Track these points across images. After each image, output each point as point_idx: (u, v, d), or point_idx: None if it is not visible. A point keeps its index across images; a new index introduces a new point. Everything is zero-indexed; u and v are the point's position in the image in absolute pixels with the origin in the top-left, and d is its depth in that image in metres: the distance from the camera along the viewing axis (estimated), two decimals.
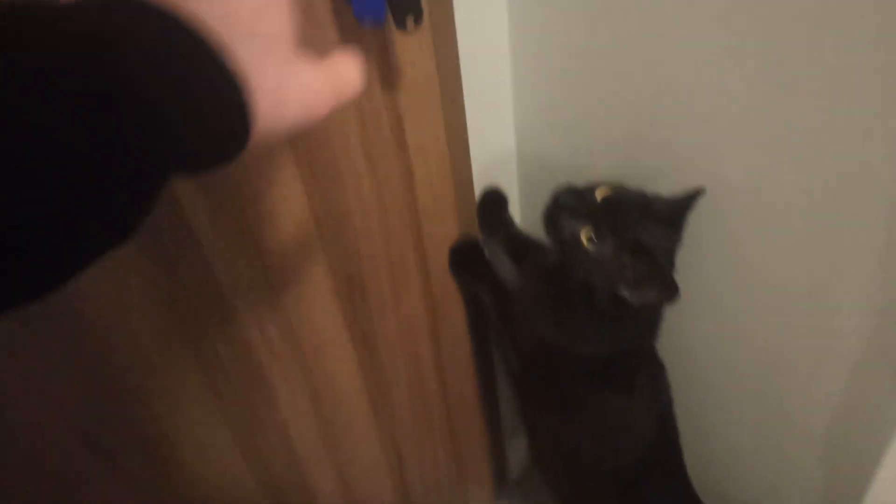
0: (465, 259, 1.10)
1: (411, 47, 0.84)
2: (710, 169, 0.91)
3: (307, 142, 0.78)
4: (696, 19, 0.81)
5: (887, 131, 0.71)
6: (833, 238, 0.81)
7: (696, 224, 0.93)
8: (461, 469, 1.42)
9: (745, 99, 0.82)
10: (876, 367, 0.86)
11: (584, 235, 0.89)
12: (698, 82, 0.85)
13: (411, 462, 1.25)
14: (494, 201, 1.13)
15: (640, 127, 0.96)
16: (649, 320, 1.00)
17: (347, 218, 0.88)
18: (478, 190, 1.09)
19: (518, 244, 1.12)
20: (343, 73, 0.47)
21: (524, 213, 1.23)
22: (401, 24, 0.74)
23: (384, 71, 0.83)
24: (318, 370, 0.97)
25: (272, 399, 0.92)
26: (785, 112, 0.79)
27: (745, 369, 1.03)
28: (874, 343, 0.84)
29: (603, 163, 1.04)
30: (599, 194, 0.92)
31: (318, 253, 0.87)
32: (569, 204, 0.92)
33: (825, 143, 0.77)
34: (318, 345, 0.95)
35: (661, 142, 0.95)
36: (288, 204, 0.81)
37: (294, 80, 0.42)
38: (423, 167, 0.95)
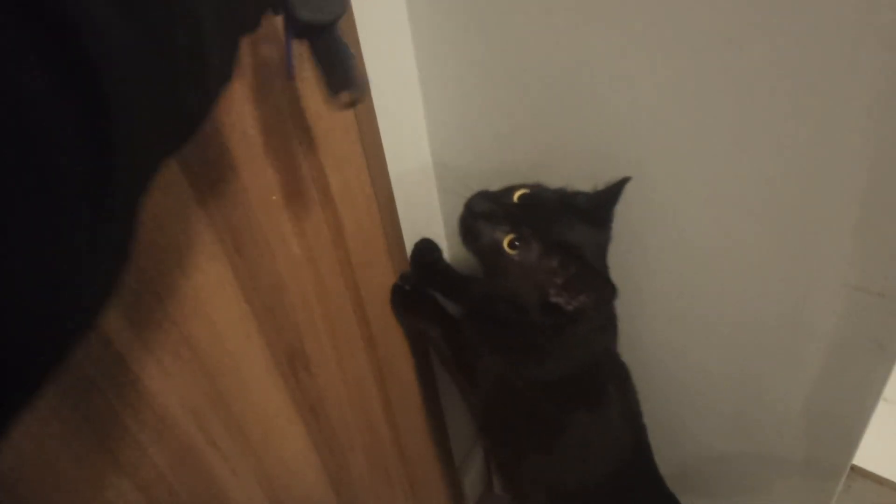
0: (408, 298, 1.01)
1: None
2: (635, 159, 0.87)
3: (225, 211, 0.68)
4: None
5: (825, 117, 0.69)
6: (805, 209, 0.78)
7: (654, 215, 0.90)
8: None
9: (661, 91, 0.79)
10: (855, 339, 0.84)
11: (504, 241, 0.81)
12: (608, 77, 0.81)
13: None
14: (427, 249, 1.07)
15: (557, 131, 0.91)
16: (601, 327, 0.94)
17: (280, 287, 0.79)
18: (405, 228, 1.01)
19: (456, 284, 1.04)
20: None
21: (448, 237, 1.16)
22: (334, 93, 0.61)
23: (297, 119, 0.74)
24: (269, 455, 0.87)
25: (219, 492, 0.82)
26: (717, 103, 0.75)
27: (716, 353, 1.00)
28: (852, 316, 0.82)
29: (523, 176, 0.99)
30: (517, 195, 0.84)
31: (254, 332, 0.78)
32: (483, 209, 0.83)
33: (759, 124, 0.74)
34: (265, 430, 0.85)
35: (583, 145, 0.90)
36: (213, 286, 0.71)
37: None
38: (351, 216, 0.86)
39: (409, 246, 1.03)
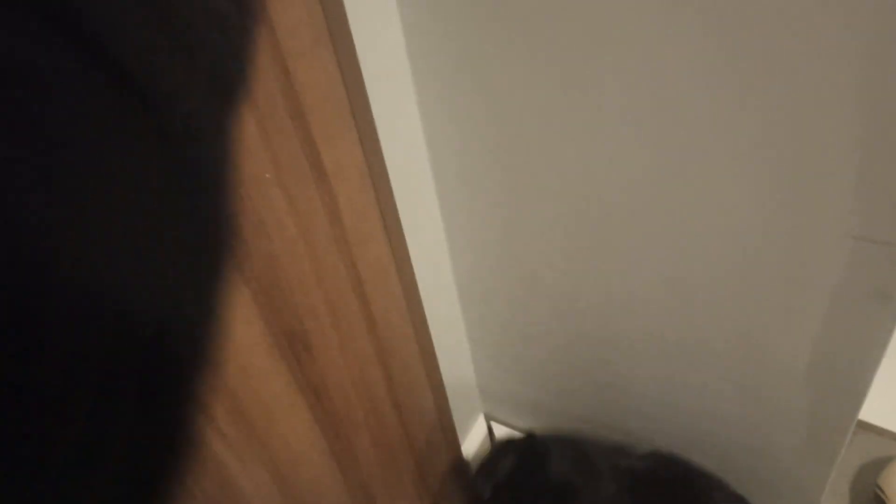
0: None
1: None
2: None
3: None
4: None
5: None
6: (803, 157, 0.77)
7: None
8: (429, 488, 1.33)
9: None
10: (859, 291, 0.83)
11: None
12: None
13: (382, 501, 1.16)
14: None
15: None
16: None
17: (276, 267, 0.77)
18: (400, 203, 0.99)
19: None
20: None
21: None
22: None
23: (287, 93, 0.72)
24: (274, 438, 0.86)
25: (228, 481, 0.81)
26: None
27: (717, 312, 0.99)
28: (856, 267, 0.81)
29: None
30: None
31: (254, 315, 0.76)
32: None
33: None
34: (269, 414, 0.83)
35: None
36: None
37: None
38: (345, 192, 0.84)
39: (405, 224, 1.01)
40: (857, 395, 0.96)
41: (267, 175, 0.72)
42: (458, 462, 1.47)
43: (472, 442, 1.53)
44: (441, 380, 1.27)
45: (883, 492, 1.31)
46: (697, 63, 0.76)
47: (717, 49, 0.74)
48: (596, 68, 0.82)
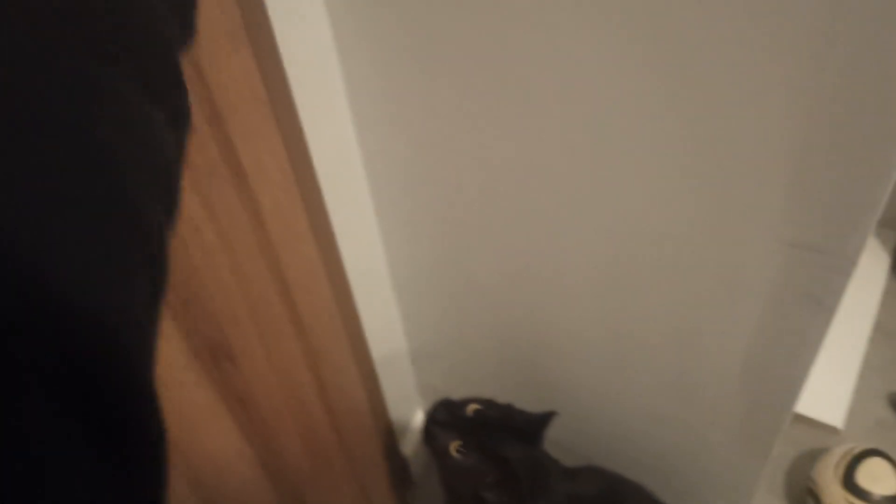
0: None
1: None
2: None
3: None
4: None
5: None
6: (734, 167, 0.76)
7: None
8: (365, 489, 1.31)
9: None
10: (791, 296, 0.83)
11: (452, 447, 1.04)
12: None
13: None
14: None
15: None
16: None
17: (194, 277, 0.73)
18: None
19: None
20: None
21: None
22: None
23: (201, 92, 0.67)
24: (195, 450, 0.82)
25: None
26: None
27: (651, 316, 0.99)
28: (788, 273, 0.81)
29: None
30: (470, 409, 1.07)
31: (171, 329, 0.72)
32: (441, 419, 1.07)
33: None
34: (190, 425, 0.80)
35: None
36: None
37: None
38: (268, 193, 0.80)
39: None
40: (791, 394, 0.97)
41: None
42: (396, 463, 1.45)
43: (411, 441, 1.51)
44: (376, 380, 1.24)
45: (815, 483, 1.34)
46: (626, 64, 0.74)
47: (648, 49, 0.72)
48: (526, 69, 0.80)
